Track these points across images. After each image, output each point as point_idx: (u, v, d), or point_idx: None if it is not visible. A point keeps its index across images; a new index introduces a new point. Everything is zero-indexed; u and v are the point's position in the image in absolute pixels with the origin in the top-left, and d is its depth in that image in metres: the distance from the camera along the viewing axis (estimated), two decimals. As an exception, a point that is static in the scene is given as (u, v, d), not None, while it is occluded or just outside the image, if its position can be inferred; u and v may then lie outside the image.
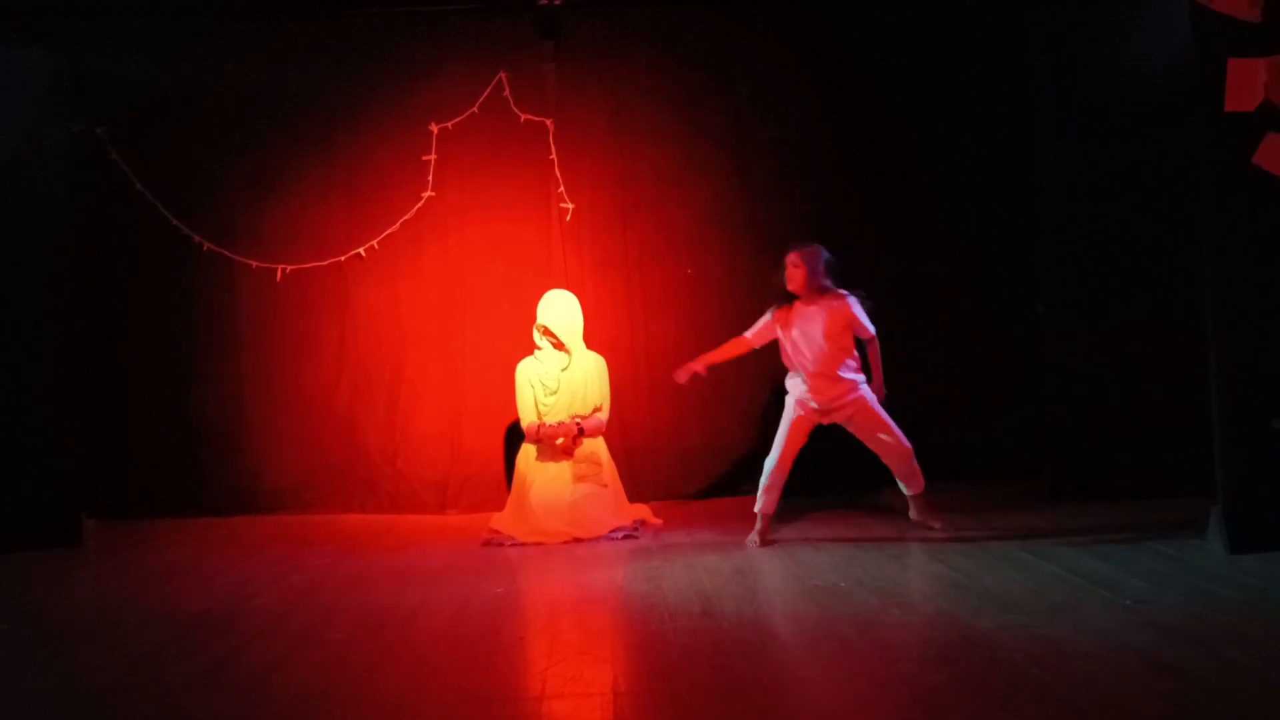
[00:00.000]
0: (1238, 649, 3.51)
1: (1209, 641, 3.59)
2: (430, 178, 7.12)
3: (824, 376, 5.48)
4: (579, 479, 6.08)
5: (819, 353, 5.47)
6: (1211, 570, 4.57)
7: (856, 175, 7.13)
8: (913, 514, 5.66)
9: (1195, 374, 5.36)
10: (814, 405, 5.51)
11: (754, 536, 5.57)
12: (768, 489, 5.59)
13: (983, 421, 7.09)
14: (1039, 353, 6.59)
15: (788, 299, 5.58)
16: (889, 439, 5.50)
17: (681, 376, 5.81)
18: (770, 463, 5.59)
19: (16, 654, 4.21)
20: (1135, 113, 6.26)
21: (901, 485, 5.62)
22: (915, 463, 5.55)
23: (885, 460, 5.58)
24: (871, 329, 5.56)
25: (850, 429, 5.57)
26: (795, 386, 5.61)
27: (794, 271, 5.51)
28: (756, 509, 5.61)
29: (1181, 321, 5.98)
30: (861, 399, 5.50)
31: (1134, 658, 3.47)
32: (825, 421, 5.57)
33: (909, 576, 4.81)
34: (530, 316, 6.34)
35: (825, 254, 5.53)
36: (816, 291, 5.50)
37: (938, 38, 7.10)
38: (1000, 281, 7.10)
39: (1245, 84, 4.78)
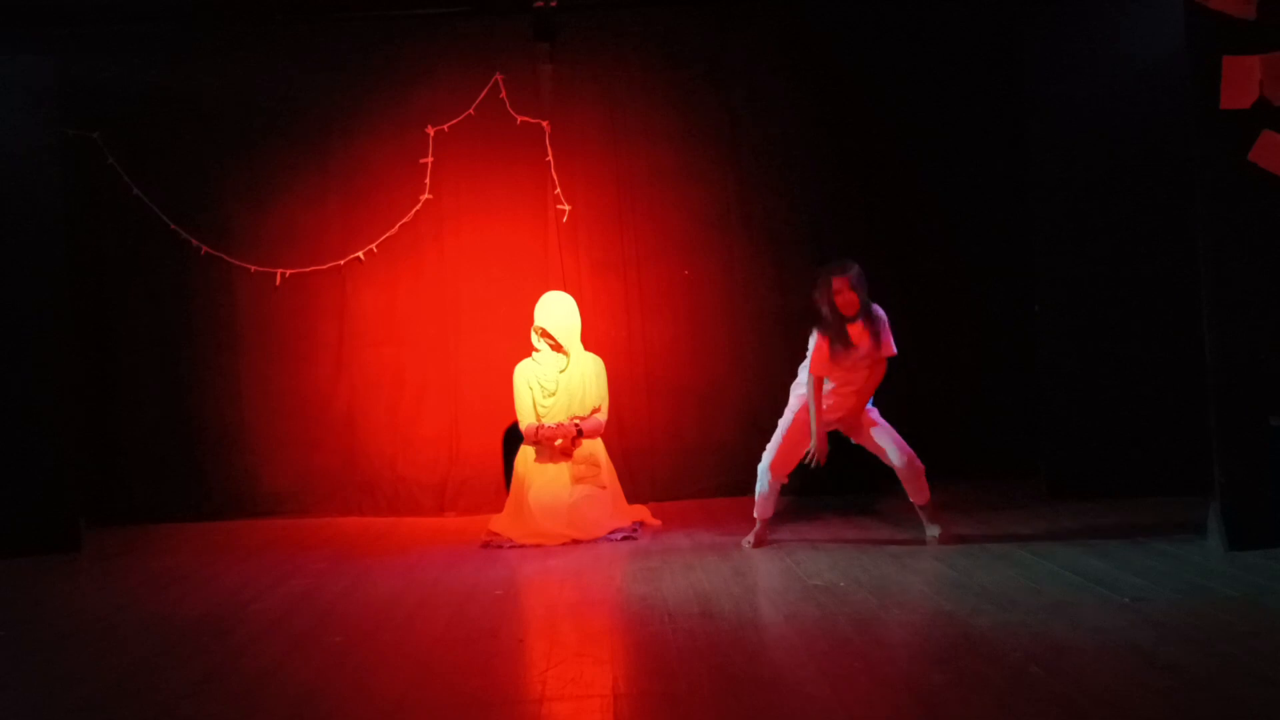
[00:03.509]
0: (1236, 646, 3.51)
1: (1207, 639, 3.60)
2: (427, 180, 7.13)
3: (861, 395, 5.35)
4: (577, 480, 6.07)
5: (867, 374, 5.33)
6: (1210, 568, 4.57)
7: (852, 175, 7.14)
8: (928, 531, 5.46)
9: (1192, 372, 5.36)
10: (829, 417, 5.36)
11: (750, 538, 5.56)
12: (768, 492, 5.50)
13: (981, 420, 7.10)
14: (1036, 351, 6.60)
15: (830, 322, 5.29)
16: (894, 444, 5.36)
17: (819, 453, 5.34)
18: (766, 462, 5.50)
19: (15, 659, 4.20)
20: (1130, 111, 6.27)
21: (909, 494, 5.45)
22: (921, 468, 5.39)
23: (892, 465, 5.42)
24: (894, 348, 5.36)
25: (853, 439, 5.48)
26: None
27: (850, 296, 5.25)
28: (755, 514, 5.56)
29: (1178, 319, 5.99)
30: (869, 416, 5.43)
31: (1132, 655, 3.48)
32: (831, 429, 5.43)
33: (908, 576, 4.80)
34: (528, 318, 6.34)
35: (859, 270, 5.32)
36: (862, 310, 5.30)
37: (932, 38, 7.12)
38: (997, 281, 7.11)
39: (1241, 81, 4.79)
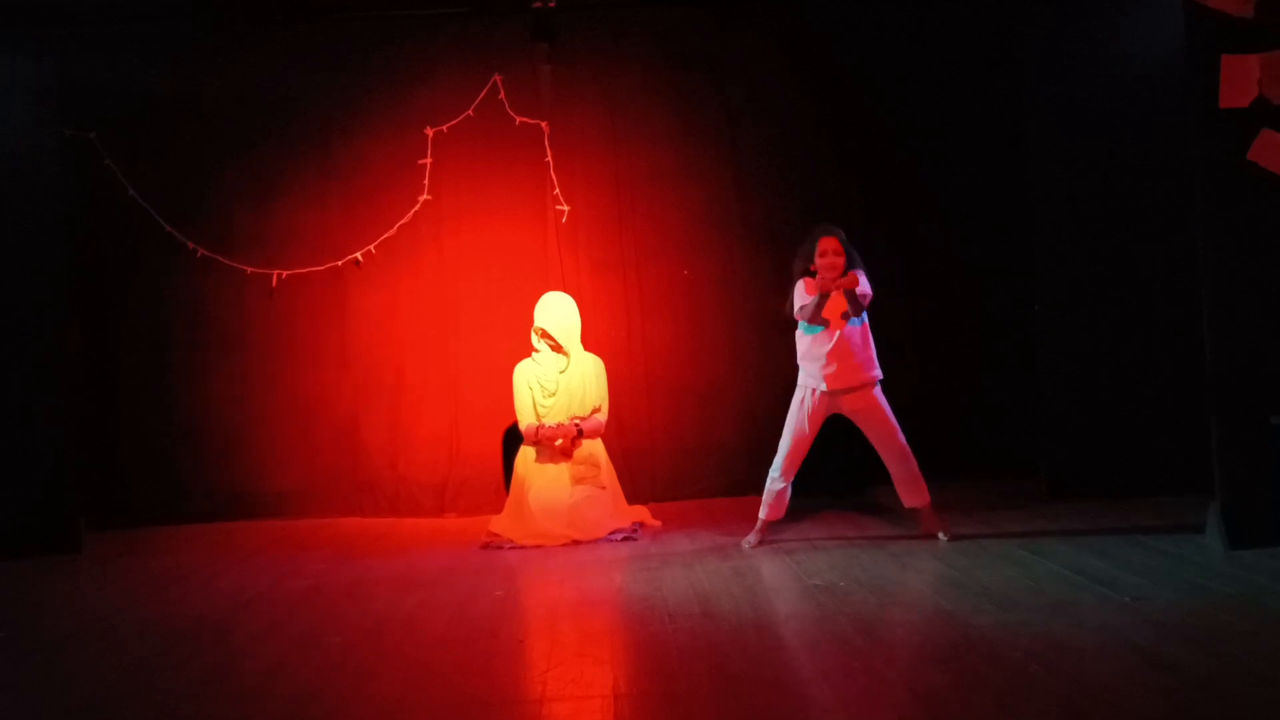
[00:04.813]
0: (1236, 645, 3.51)
1: (1207, 638, 3.60)
2: (426, 181, 7.13)
3: (847, 353, 5.28)
4: (577, 481, 6.07)
5: (845, 328, 5.30)
6: (1210, 566, 4.57)
7: (852, 175, 7.13)
8: (921, 527, 5.48)
9: (1192, 372, 5.36)
10: (825, 389, 5.30)
11: (751, 538, 5.55)
12: (777, 494, 5.49)
13: (981, 419, 7.09)
14: (1036, 350, 6.60)
15: (807, 275, 5.35)
16: (893, 441, 5.36)
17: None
18: (775, 468, 5.49)
19: (15, 659, 4.21)
20: (1130, 111, 6.28)
21: (902, 497, 5.45)
22: (918, 471, 5.40)
23: (887, 464, 5.43)
24: (869, 289, 5.30)
25: (856, 420, 5.44)
26: (810, 367, 5.38)
27: (836, 260, 5.27)
28: (761, 515, 5.55)
29: (1178, 318, 6.00)
30: (876, 395, 5.38)
31: (1133, 654, 3.48)
32: (834, 410, 5.39)
33: (908, 575, 4.81)
34: (527, 319, 6.34)
35: (845, 236, 5.37)
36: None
37: (932, 38, 7.12)
38: (997, 281, 7.11)
39: (1239, 80, 4.79)
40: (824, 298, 5.26)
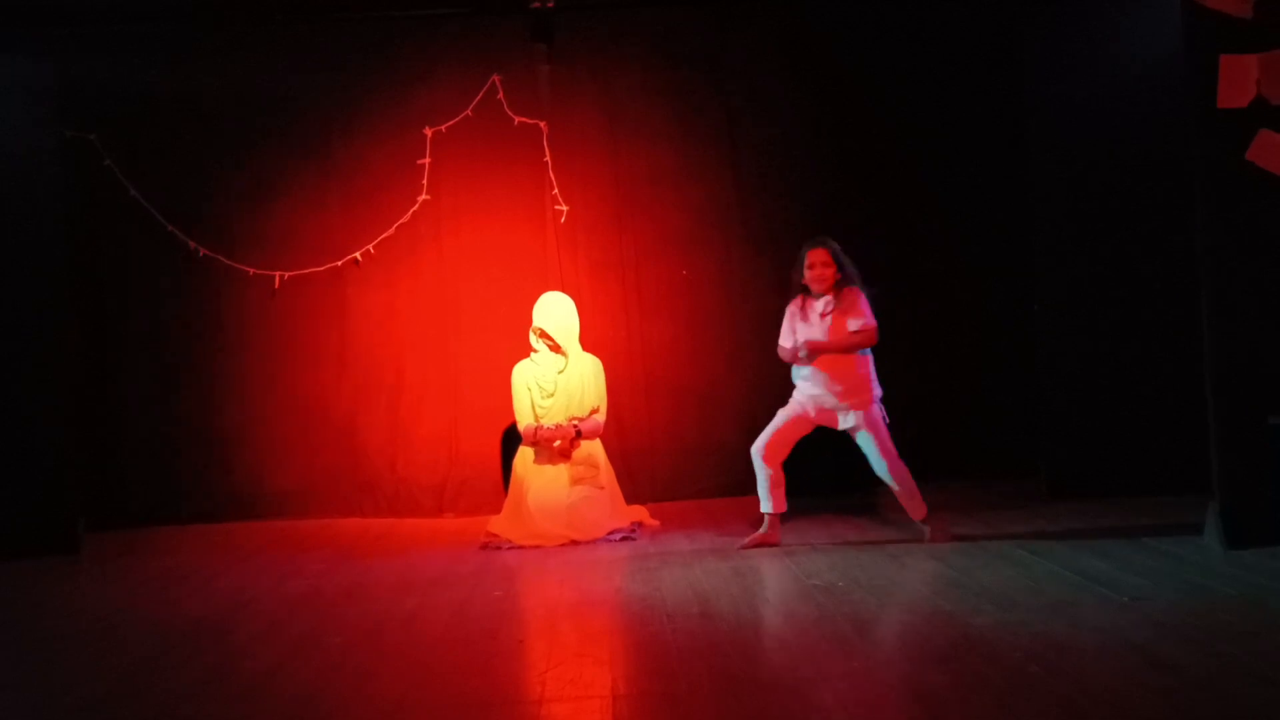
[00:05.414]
0: (1235, 645, 3.51)
1: (1207, 639, 3.59)
2: (425, 181, 7.13)
3: (838, 366, 5.28)
4: (576, 481, 6.07)
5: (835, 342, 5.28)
6: (1209, 567, 4.57)
7: (851, 175, 7.14)
8: (922, 534, 5.45)
9: (1192, 371, 5.36)
10: (825, 405, 5.31)
11: (761, 531, 5.52)
12: (767, 482, 5.45)
13: (981, 420, 7.10)
14: (1036, 350, 6.60)
15: (803, 291, 5.40)
16: (886, 459, 5.30)
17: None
18: (758, 449, 5.41)
19: (15, 660, 4.20)
20: (1130, 111, 6.29)
21: (909, 512, 5.43)
22: (914, 485, 5.37)
23: (886, 480, 5.39)
24: (871, 320, 5.30)
25: (850, 434, 5.42)
26: (801, 385, 5.39)
27: (825, 271, 5.31)
28: (767, 510, 5.48)
29: (1177, 318, 6.00)
30: (872, 413, 5.32)
31: (1132, 654, 3.47)
32: (828, 424, 5.38)
33: (907, 576, 4.81)
34: (526, 319, 6.34)
35: (837, 247, 5.38)
36: (836, 287, 5.34)
37: (932, 38, 7.12)
38: (997, 281, 7.11)
39: (1238, 80, 4.79)
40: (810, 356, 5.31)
